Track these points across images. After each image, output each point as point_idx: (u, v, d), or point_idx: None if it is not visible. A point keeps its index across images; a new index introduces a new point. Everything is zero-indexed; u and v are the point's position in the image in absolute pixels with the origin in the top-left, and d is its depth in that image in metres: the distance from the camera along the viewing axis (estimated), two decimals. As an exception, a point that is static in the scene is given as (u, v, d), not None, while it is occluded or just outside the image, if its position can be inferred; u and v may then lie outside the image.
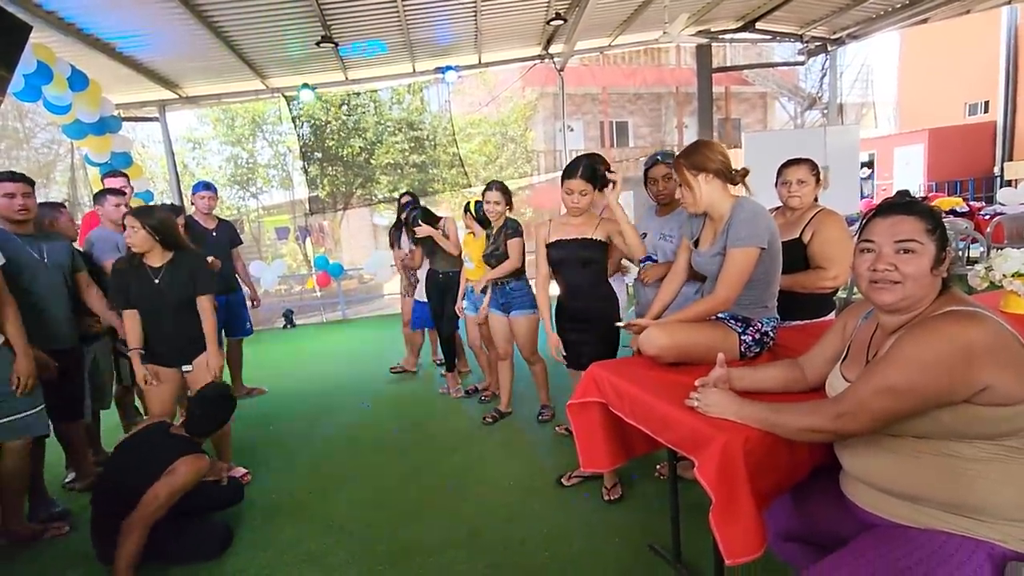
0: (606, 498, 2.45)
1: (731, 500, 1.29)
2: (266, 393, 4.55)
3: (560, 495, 2.55)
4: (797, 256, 2.19)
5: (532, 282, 3.36)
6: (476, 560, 2.13)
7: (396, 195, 11.47)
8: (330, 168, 10.13)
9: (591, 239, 2.41)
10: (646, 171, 2.60)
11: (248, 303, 4.46)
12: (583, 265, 2.43)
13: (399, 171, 11.45)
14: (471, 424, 3.53)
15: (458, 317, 3.89)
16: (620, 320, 2.30)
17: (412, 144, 11.66)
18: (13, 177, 2.49)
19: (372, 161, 11.25)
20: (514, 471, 2.83)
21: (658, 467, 2.64)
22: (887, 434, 1.17)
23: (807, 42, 8.45)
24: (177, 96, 7.01)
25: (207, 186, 4.18)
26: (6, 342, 2.25)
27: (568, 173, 2.38)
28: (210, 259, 3.76)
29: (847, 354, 1.36)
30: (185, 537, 2.28)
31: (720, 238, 1.83)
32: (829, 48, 8.50)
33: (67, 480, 2.95)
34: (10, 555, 2.37)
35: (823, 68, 9.62)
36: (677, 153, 2.50)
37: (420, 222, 3.84)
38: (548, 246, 2.52)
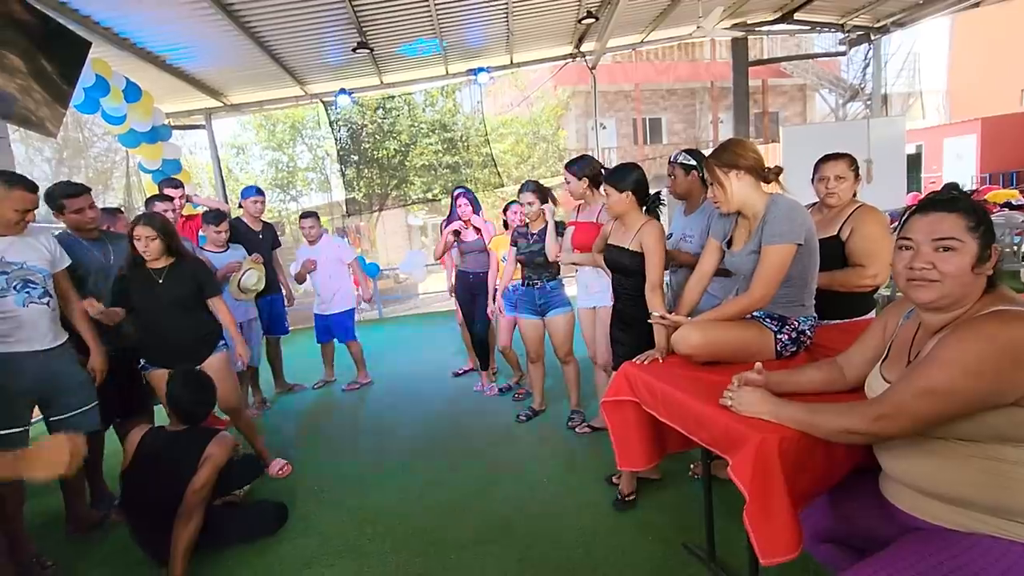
0: (621, 496, 2.44)
1: (766, 500, 1.29)
2: (306, 389, 4.70)
3: (594, 493, 2.57)
4: (835, 254, 2.15)
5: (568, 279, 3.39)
6: (509, 554, 2.17)
7: (430, 196, 11.71)
8: (366, 170, 10.34)
9: (626, 249, 2.35)
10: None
11: (284, 302, 4.61)
12: (624, 275, 2.39)
13: (432, 172, 11.61)
14: (505, 422, 3.58)
15: (489, 319, 3.95)
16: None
17: (445, 145, 11.80)
18: (78, 191, 2.63)
19: (406, 163, 11.44)
20: (548, 469, 2.86)
21: (692, 466, 2.63)
22: (930, 436, 1.15)
23: (849, 31, 8.16)
24: (222, 104, 7.30)
25: (258, 191, 4.37)
26: (69, 340, 2.42)
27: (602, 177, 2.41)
28: (255, 256, 3.94)
29: (887, 354, 1.33)
30: (242, 520, 2.42)
31: (755, 236, 1.81)
32: (872, 37, 8.19)
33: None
34: (77, 540, 2.55)
35: (866, 58, 9.30)
36: (701, 151, 2.51)
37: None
38: (605, 246, 2.50)
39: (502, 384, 4.20)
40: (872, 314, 2.24)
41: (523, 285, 3.34)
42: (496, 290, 3.66)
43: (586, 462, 2.86)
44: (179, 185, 4.07)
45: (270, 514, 2.50)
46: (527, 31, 6.79)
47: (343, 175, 9.76)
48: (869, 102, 9.46)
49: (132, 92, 5.22)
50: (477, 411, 3.85)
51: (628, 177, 2.31)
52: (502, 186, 11.20)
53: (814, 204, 2.37)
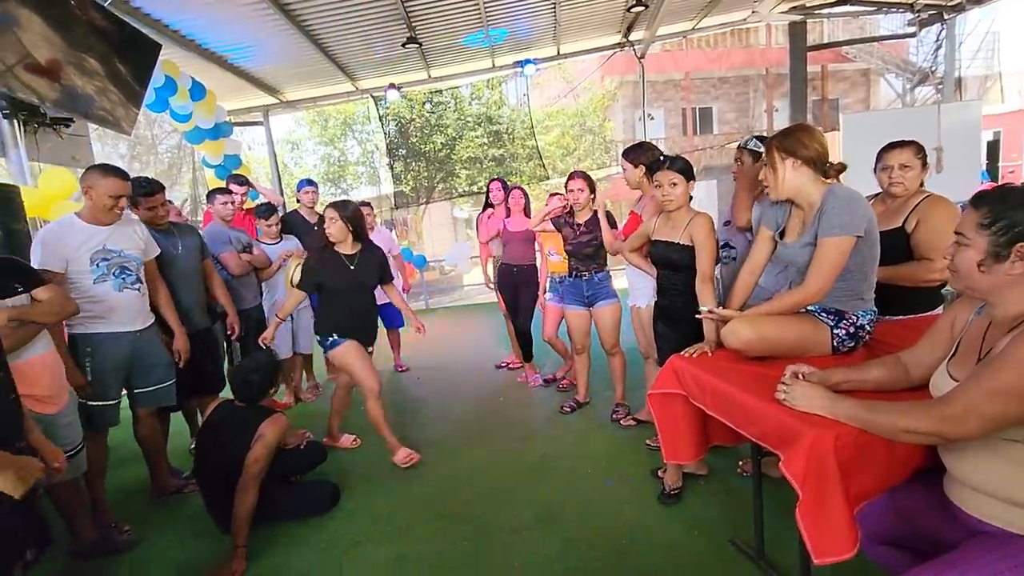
0: (667, 490, 2.42)
1: (820, 497, 1.26)
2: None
3: (638, 485, 2.56)
4: (899, 246, 2.05)
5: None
6: (553, 542, 2.20)
7: (475, 188, 11.81)
8: (413, 164, 10.55)
9: (676, 243, 2.31)
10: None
11: None
12: (673, 269, 2.36)
13: (478, 165, 11.71)
14: (550, 413, 3.60)
15: (533, 311, 3.98)
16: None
17: (491, 138, 11.88)
18: (153, 190, 2.81)
19: (452, 156, 11.58)
20: (592, 460, 2.87)
21: (740, 463, 2.58)
22: (999, 438, 1.10)
23: (919, 11, 7.67)
24: (279, 101, 7.60)
25: (310, 182, 4.54)
26: (156, 322, 2.61)
27: (657, 167, 2.35)
28: (300, 251, 4.10)
29: (955, 351, 1.28)
30: (298, 498, 2.57)
31: (810, 227, 1.75)
32: (946, 16, 7.67)
33: (192, 446, 3.35)
34: (153, 507, 2.76)
35: (938, 39, 8.71)
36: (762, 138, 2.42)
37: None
38: (650, 242, 2.48)
39: (546, 375, 4.23)
40: (939, 310, 2.13)
41: (570, 276, 3.34)
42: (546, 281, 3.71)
43: (630, 455, 2.85)
44: (244, 182, 4.32)
45: (324, 494, 2.63)
46: (574, 21, 6.73)
47: (391, 168, 9.99)
48: (940, 86, 8.88)
49: (197, 91, 5.50)
50: (521, 402, 3.89)
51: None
52: (547, 178, 11.18)
53: (877, 194, 2.27)
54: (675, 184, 2.27)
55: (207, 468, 2.46)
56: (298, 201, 4.52)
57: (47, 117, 3.43)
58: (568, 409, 3.55)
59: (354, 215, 2.89)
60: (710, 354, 1.88)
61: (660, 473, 2.55)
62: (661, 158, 2.80)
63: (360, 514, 2.55)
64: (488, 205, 4.49)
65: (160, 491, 2.83)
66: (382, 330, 4.84)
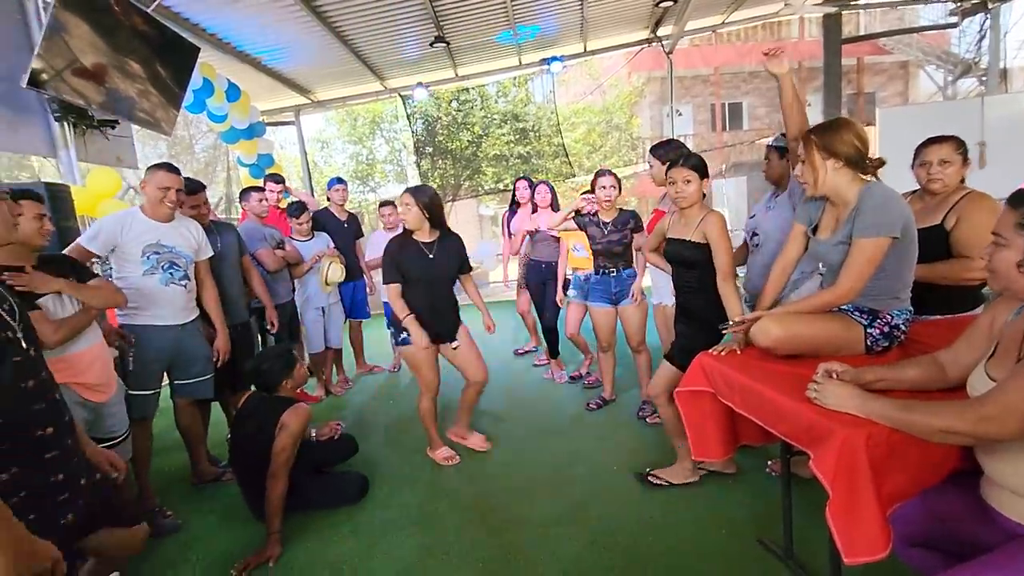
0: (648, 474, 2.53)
1: (851, 496, 1.25)
2: (384, 371, 4.95)
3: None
4: (938, 244, 2.00)
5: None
6: (579, 537, 2.21)
7: (501, 186, 11.85)
8: (440, 161, 10.64)
9: (688, 240, 2.29)
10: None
11: (367, 290, 4.86)
12: (686, 267, 2.34)
13: (504, 162, 11.73)
14: (576, 409, 3.62)
15: (559, 307, 3.99)
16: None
17: (517, 135, 11.88)
18: (195, 189, 2.94)
19: (479, 153, 11.64)
20: (619, 457, 2.88)
21: (769, 463, 2.55)
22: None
23: (961, 0, 7.39)
24: (310, 101, 7.75)
25: (339, 180, 4.66)
26: (200, 317, 2.73)
27: (670, 164, 2.33)
28: (331, 250, 4.20)
29: (994, 351, 1.25)
30: (328, 488, 2.65)
31: (845, 225, 1.72)
32: (990, 5, 7.37)
33: (228, 436, 3.47)
34: (194, 494, 2.87)
35: (982, 29, 8.38)
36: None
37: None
38: (665, 240, 2.47)
39: (572, 372, 4.24)
40: (979, 310, 2.07)
41: (596, 273, 3.34)
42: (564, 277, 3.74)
43: (657, 453, 2.84)
44: (280, 180, 4.49)
45: (353, 484, 2.69)
46: (602, 17, 6.70)
47: (418, 166, 10.10)
48: (984, 78, 8.54)
49: (233, 92, 5.67)
50: (548, 398, 3.91)
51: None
52: (573, 176, 11.15)
53: (914, 191, 2.21)
54: (689, 181, 2.25)
55: (240, 458, 2.54)
56: (328, 199, 4.62)
57: (94, 119, 3.59)
58: (594, 406, 3.56)
59: (432, 201, 2.73)
60: (739, 352, 1.87)
61: (650, 477, 2.54)
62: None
63: (389, 505, 2.61)
64: (515, 203, 4.53)
65: (200, 478, 2.95)
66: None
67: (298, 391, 4.05)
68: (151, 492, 2.65)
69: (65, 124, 3.42)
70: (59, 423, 1.39)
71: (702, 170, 2.28)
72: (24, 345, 1.35)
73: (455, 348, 2.91)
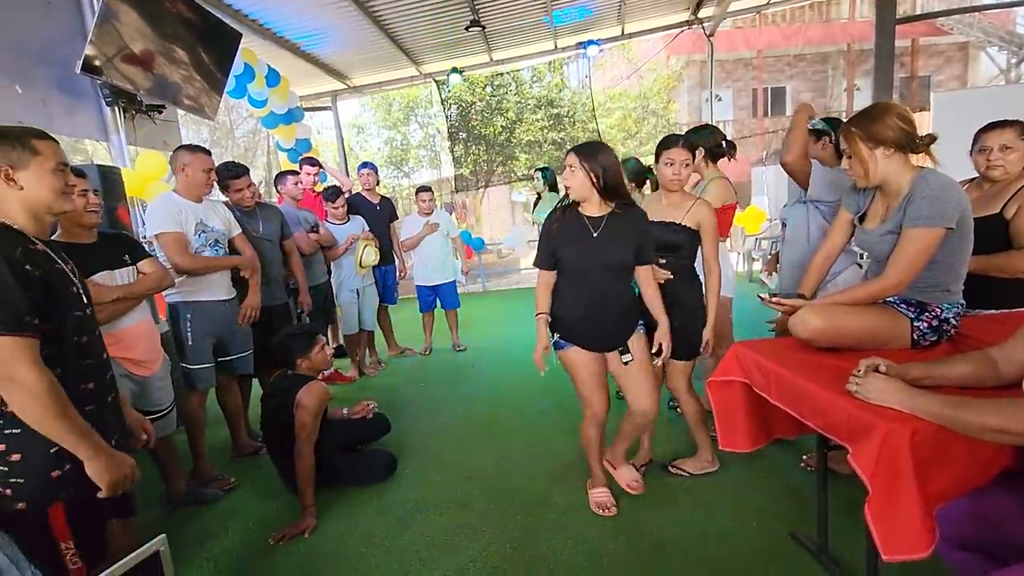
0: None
1: (891, 493, 1.21)
2: (415, 354, 5.03)
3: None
4: (996, 234, 1.90)
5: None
6: (607, 524, 2.22)
7: (533, 172, 11.77)
8: (473, 147, 10.64)
9: (678, 224, 2.23)
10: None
11: (396, 274, 4.92)
12: (668, 251, 2.26)
13: (538, 148, 11.65)
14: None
15: None
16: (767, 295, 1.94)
17: (551, 121, 11.76)
18: (239, 173, 3.05)
19: (512, 139, 11.58)
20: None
21: (805, 457, 2.49)
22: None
23: (1031, -24, 6.91)
24: (346, 86, 7.84)
25: (366, 164, 4.75)
26: (235, 297, 2.83)
27: (665, 144, 2.26)
28: (365, 233, 4.27)
29: (1054, 348, 1.18)
30: (358, 465, 2.73)
31: (895, 214, 1.64)
32: (1063, -19, 6.87)
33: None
34: (240, 463, 3.00)
35: (1053, 7, 7.81)
36: (839, 119, 2.28)
37: None
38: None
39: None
40: (1038, 305, 1.96)
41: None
42: None
43: (685, 443, 2.81)
44: (316, 163, 4.58)
45: (383, 463, 2.76)
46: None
47: (452, 152, 10.11)
48: (1052, 60, 7.97)
49: (273, 78, 5.78)
50: (576, 385, 3.90)
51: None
52: (607, 162, 10.96)
53: (972, 179, 2.10)
54: (688, 164, 2.23)
55: (268, 434, 2.63)
56: (359, 182, 4.72)
57: (143, 104, 3.72)
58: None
59: (604, 162, 2.02)
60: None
61: (671, 466, 2.54)
62: (724, 142, 2.71)
63: (420, 485, 2.67)
64: (539, 195, 4.60)
65: (239, 451, 3.09)
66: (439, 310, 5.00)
67: (333, 371, 4.17)
68: (206, 461, 2.79)
69: (116, 109, 3.56)
70: (100, 380, 1.49)
71: (694, 152, 2.27)
72: (85, 301, 1.47)
73: (626, 363, 2.17)
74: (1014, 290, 1.92)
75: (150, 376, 2.32)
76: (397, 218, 4.92)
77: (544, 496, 2.47)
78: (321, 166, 4.81)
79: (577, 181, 2.04)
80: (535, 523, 2.27)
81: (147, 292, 2.26)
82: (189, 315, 2.65)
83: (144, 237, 2.83)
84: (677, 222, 2.25)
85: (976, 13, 11.60)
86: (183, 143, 3.42)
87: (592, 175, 2.01)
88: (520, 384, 4.03)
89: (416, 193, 4.82)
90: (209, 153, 2.70)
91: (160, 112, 3.89)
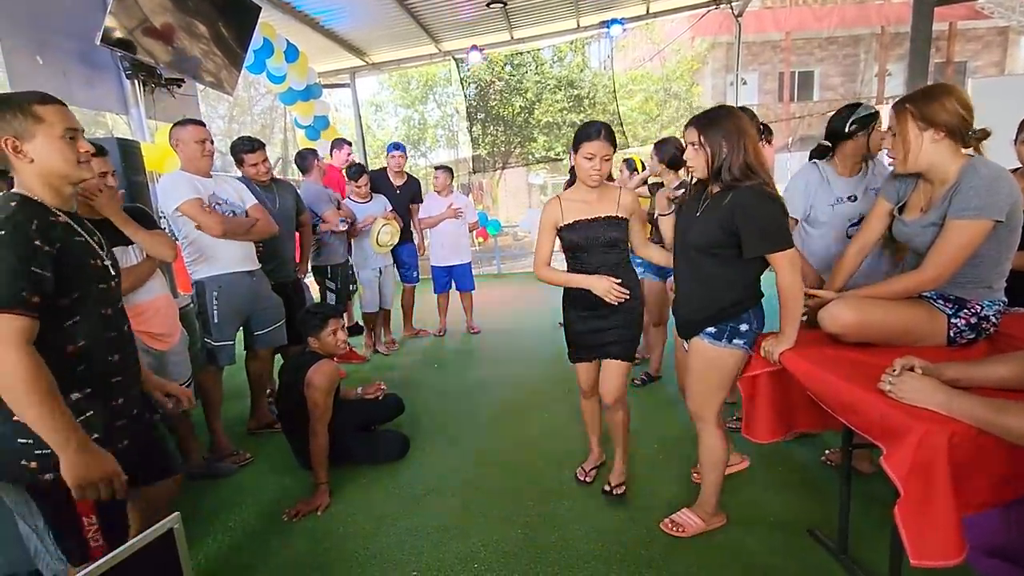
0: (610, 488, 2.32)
1: (925, 497, 1.16)
2: (430, 335, 5.03)
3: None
4: (1042, 230, 1.80)
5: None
6: (619, 512, 2.20)
7: (551, 155, 11.62)
8: (491, 128, 10.51)
9: (616, 217, 2.08)
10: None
11: (417, 253, 4.91)
12: (610, 247, 2.10)
13: (556, 130, 11.48)
14: (619, 385, 3.56)
15: None
16: None
17: (571, 102, 11.56)
18: (254, 147, 3.03)
19: (531, 120, 11.42)
20: (661, 435, 2.82)
21: (827, 453, 2.44)
22: None
23: (1083, -44, 6.55)
24: (365, 63, 7.76)
25: (396, 146, 4.70)
26: (260, 269, 2.82)
27: (586, 136, 2.00)
28: (387, 213, 4.26)
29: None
30: (371, 445, 2.75)
31: (940, 205, 1.55)
32: (1118, -38, 6.50)
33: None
34: (256, 437, 3.03)
35: (1104, -11, 7.42)
36: (869, 106, 2.16)
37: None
38: (562, 228, 2.12)
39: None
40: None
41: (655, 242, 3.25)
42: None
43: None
44: (347, 144, 5.04)
45: (395, 443, 2.77)
46: (669, -24, 6.33)
47: (470, 132, 10.01)
48: (1100, 46, 7.60)
49: (291, 53, 5.72)
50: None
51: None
52: (627, 147, 10.80)
53: (1016, 169, 2.00)
54: (607, 158, 2.02)
55: (282, 410, 2.65)
56: (388, 163, 4.70)
57: (162, 78, 3.70)
58: (639, 382, 3.50)
59: (727, 124, 1.69)
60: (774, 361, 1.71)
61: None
62: (761, 126, 2.61)
63: (433, 467, 2.67)
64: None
65: (257, 423, 3.12)
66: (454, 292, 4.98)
67: (348, 348, 4.19)
68: (223, 436, 2.81)
69: (136, 82, 3.54)
70: (125, 352, 1.47)
71: (615, 144, 2.06)
72: (112, 272, 1.46)
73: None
74: (1058, 288, 1.83)
75: (168, 350, 2.33)
76: (422, 200, 4.85)
77: (557, 483, 2.45)
78: (349, 145, 5.14)
79: (694, 155, 1.77)
80: (547, 509, 2.26)
81: (157, 255, 2.21)
82: (216, 292, 2.66)
83: (161, 215, 2.81)
84: (614, 214, 2.09)
85: (1020, -4, 11.10)
86: (213, 121, 3.41)
87: (702, 146, 1.73)
88: (534, 368, 4.01)
89: (435, 171, 4.79)
90: (201, 124, 2.64)
91: (179, 86, 3.87)
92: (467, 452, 2.80)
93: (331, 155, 4.98)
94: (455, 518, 2.24)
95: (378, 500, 2.40)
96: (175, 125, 2.61)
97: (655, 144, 3.20)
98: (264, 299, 2.84)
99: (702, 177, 1.77)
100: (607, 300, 2.04)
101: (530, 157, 11.74)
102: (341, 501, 2.40)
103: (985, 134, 1.56)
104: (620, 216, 2.10)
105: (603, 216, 2.09)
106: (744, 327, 1.78)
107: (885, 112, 1.75)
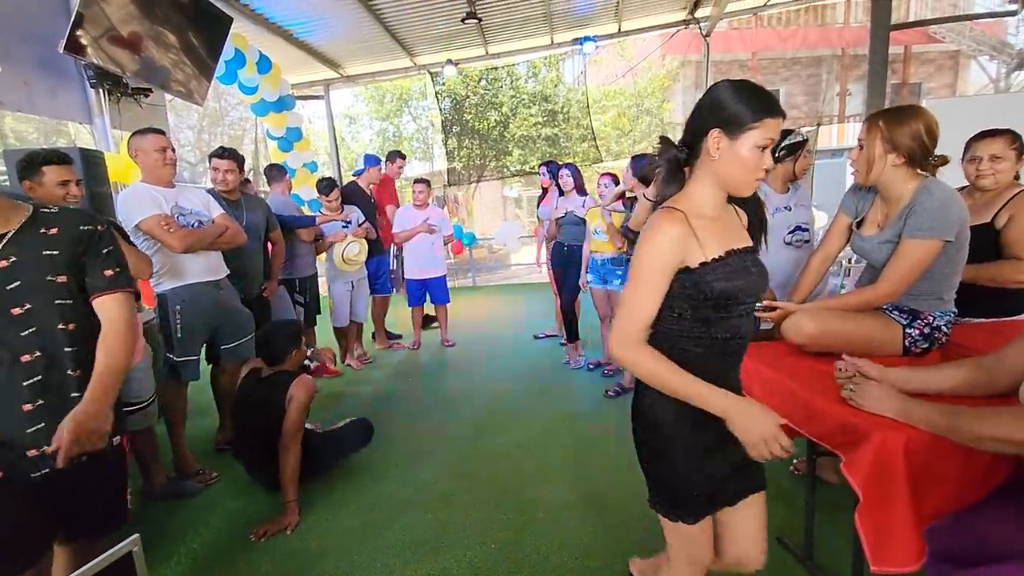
0: None
1: (883, 503, 1.20)
2: (404, 348, 4.99)
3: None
4: (986, 244, 1.90)
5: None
6: (594, 524, 2.20)
7: (527, 168, 11.70)
8: (466, 141, 10.55)
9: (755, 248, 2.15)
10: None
11: (390, 265, 4.89)
12: (753, 302, 2.06)
13: (531, 144, 11.58)
14: (593, 396, 3.59)
15: (579, 289, 3.96)
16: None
17: (545, 117, 11.69)
18: (223, 154, 3.00)
19: (506, 134, 11.50)
20: (634, 448, 2.84)
21: (795, 462, 2.50)
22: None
23: (1024, -13, 6.96)
24: (339, 75, 7.73)
25: (378, 160, 4.76)
26: (226, 278, 2.76)
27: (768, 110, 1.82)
28: (357, 229, 4.23)
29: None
30: (335, 442, 2.70)
31: (895, 223, 1.63)
32: (1055, -7, 6.92)
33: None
34: (223, 455, 2.94)
35: (1044, 18, 7.91)
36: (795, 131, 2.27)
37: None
38: (702, 269, 1.14)
39: (591, 360, 4.21)
40: (1028, 315, 1.97)
41: (628, 258, 3.31)
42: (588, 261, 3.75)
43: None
44: (403, 156, 5.24)
45: (359, 431, 2.74)
46: (639, -4, 6.50)
47: (445, 145, 10.03)
48: (1042, 71, 8.08)
49: (264, 64, 5.67)
50: (565, 383, 3.89)
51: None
52: (600, 160, 10.95)
53: (963, 187, 2.10)
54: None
55: (246, 435, 2.54)
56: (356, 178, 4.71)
57: (129, 87, 3.63)
58: (612, 394, 3.54)
59: None
60: None
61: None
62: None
63: (405, 482, 2.63)
64: (544, 189, 4.60)
65: (226, 438, 3.02)
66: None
67: (319, 364, 4.12)
68: (188, 454, 2.73)
69: (100, 91, 3.46)
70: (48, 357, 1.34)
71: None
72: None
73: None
74: (1005, 299, 1.93)
75: (130, 369, 2.26)
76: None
77: (531, 496, 2.45)
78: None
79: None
80: (522, 523, 2.25)
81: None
82: (179, 306, 2.57)
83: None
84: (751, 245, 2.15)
85: (969, 22, 11.72)
86: (182, 131, 3.37)
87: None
88: (509, 382, 4.01)
89: (413, 184, 4.77)
90: (161, 132, 2.56)
91: (147, 96, 3.80)
92: (441, 466, 2.77)
93: (385, 166, 5.06)
94: (428, 534, 2.22)
95: (349, 517, 2.36)
96: (133, 135, 2.54)
97: (632, 158, 3.27)
98: (233, 311, 2.77)
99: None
100: (757, 453, 1.10)
101: (505, 170, 11.81)
102: (311, 518, 2.35)
103: (944, 161, 1.64)
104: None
105: (746, 248, 1.22)
106: None
107: (852, 130, 1.84)
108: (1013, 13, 7.85)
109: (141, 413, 2.34)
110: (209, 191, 2.97)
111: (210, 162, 3.02)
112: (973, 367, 1.36)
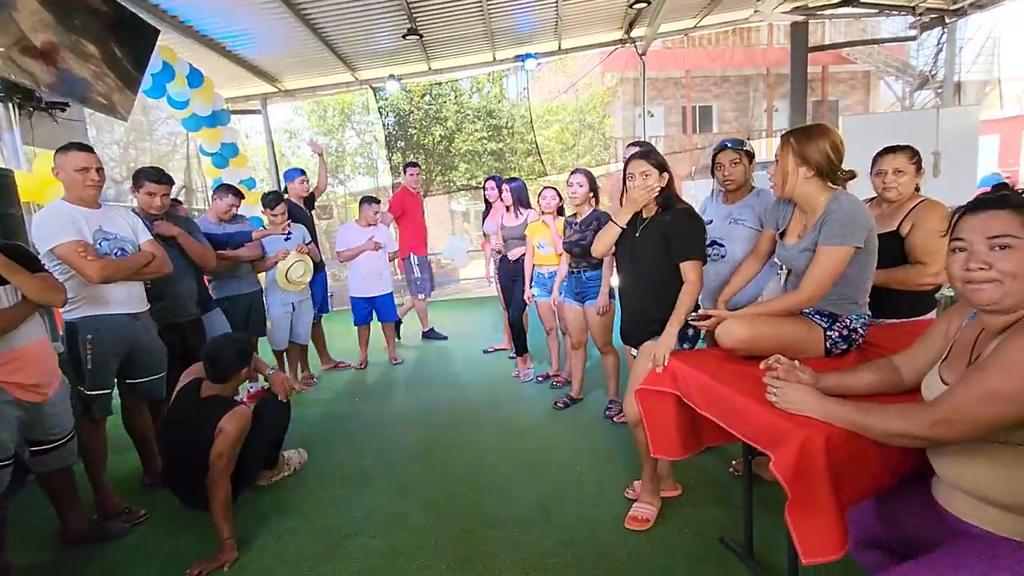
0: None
1: (809, 498, 1.27)
2: (350, 367, 4.86)
3: (630, 483, 2.57)
4: (893, 250, 2.06)
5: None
6: (546, 537, 2.21)
7: (474, 183, 11.75)
8: (412, 156, 10.50)
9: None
10: (714, 156, 2.53)
11: (327, 284, 4.76)
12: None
13: (477, 159, 11.65)
14: (543, 409, 3.61)
15: (526, 304, 3.99)
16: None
17: (490, 132, 11.80)
18: (159, 179, 2.81)
19: (451, 149, 11.52)
20: (585, 457, 2.88)
21: (734, 463, 2.59)
22: (989, 441, 1.11)
23: (920, 14, 7.67)
24: (277, 90, 7.54)
25: (302, 172, 4.56)
26: (148, 310, 2.60)
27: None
28: (299, 247, 4.07)
29: (947, 355, 1.28)
30: (257, 440, 2.47)
31: (811, 233, 1.76)
32: (947, 20, 7.67)
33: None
34: (150, 492, 2.75)
35: (939, 43, 8.72)
36: (743, 143, 2.43)
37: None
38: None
39: (540, 372, 4.24)
40: (932, 315, 2.15)
41: (570, 272, 3.36)
42: (531, 275, 3.81)
43: (623, 452, 2.86)
44: (413, 166, 5.39)
45: (273, 409, 2.61)
46: (576, 16, 6.71)
47: (389, 160, 9.93)
48: (940, 90, 8.88)
49: (195, 78, 5.46)
50: (516, 397, 3.90)
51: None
52: (545, 174, 11.14)
53: (872, 199, 2.28)
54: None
55: (178, 466, 2.39)
56: (286, 191, 4.55)
57: (42, 101, 3.41)
58: (561, 405, 3.57)
59: (660, 163, 2.18)
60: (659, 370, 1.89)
61: (629, 493, 2.45)
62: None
63: (353, 506, 2.55)
64: (488, 203, 4.61)
65: (152, 477, 2.82)
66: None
67: (260, 388, 3.95)
68: (111, 493, 2.54)
69: (9, 105, 3.23)
70: None
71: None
72: None
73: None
74: (912, 301, 2.10)
75: (44, 402, 2.08)
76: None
77: (483, 511, 2.43)
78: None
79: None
80: (476, 539, 2.23)
81: (31, 295, 1.96)
82: (90, 335, 2.39)
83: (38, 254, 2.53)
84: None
85: (876, 45, 12.75)
86: (106, 147, 3.15)
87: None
88: (460, 395, 3.98)
89: (361, 203, 4.64)
90: (87, 149, 2.40)
91: (63, 110, 3.57)
92: (390, 488, 2.71)
93: (404, 175, 5.17)
94: (380, 559, 2.15)
95: (293, 547, 2.26)
96: (59, 151, 2.37)
97: (572, 173, 3.34)
98: (145, 345, 2.57)
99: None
100: None
101: (452, 185, 11.81)
102: (252, 552, 2.23)
103: (852, 175, 1.80)
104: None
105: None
106: (691, 331, 2.12)
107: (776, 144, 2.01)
108: (913, 38, 8.64)
109: (57, 452, 2.16)
110: (135, 211, 2.81)
111: (141, 185, 2.80)
112: (885, 367, 1.47)
